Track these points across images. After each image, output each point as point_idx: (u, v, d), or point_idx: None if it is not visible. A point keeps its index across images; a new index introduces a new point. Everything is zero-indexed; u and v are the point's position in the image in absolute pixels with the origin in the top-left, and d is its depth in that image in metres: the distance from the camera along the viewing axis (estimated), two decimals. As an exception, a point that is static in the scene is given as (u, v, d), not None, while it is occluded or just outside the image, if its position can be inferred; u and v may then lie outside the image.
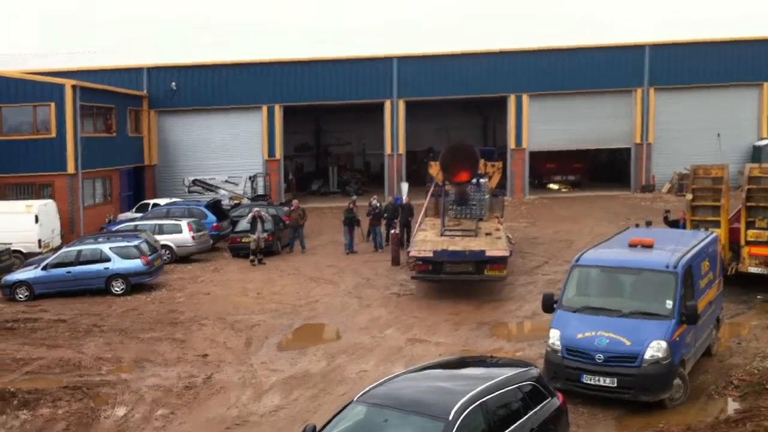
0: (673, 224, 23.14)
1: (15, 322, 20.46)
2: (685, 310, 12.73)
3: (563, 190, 47.56)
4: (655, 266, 13.41)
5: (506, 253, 20.37)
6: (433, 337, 17.38)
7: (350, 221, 28.89)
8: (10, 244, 27.44)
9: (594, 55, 45.08)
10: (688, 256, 13.81)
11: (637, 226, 20.03)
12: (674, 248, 14.08)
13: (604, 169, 51.21)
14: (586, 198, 42.36)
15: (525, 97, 45.04)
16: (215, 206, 32.83)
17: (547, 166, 48.62)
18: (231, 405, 13.74)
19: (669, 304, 12.81)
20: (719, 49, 44.68)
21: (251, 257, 27.32)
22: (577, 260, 14.30)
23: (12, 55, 54.79)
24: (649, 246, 14.30)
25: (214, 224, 30.81)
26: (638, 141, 44.89)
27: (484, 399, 9.20)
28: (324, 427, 9.28)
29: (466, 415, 8.81)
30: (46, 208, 29.58)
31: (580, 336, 12.81)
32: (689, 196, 20.90)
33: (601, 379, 12.41)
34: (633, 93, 44.83)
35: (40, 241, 28.48)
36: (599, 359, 12.43)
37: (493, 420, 9.18)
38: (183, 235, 28.34)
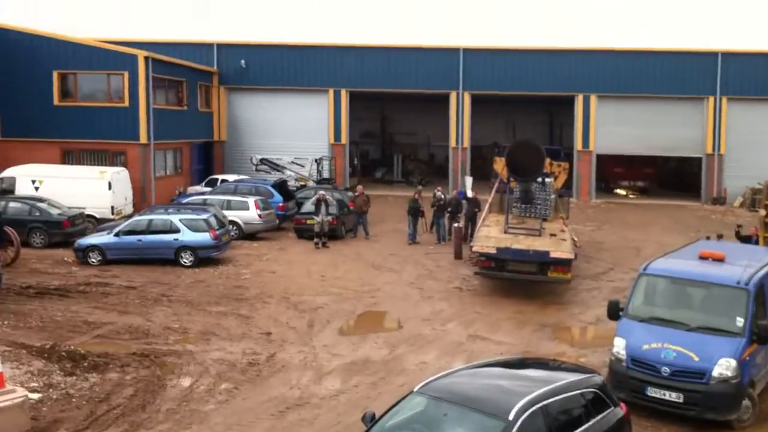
0: (745, 240, 22.66)
1: (87, 285, 21.13)
2: (756, 329, 12.47)
3: (631, 195, 46.83)
4: (726, 281, 13.14)
5: (571, 256, 20.19)
6: (495, 334, 17.40)
7: (415, 211, 29.01)
8: (84, 208, 28.34)
9: (666, 60, 44.24)
10: (761, 273, 13.46)
11: (707, 238, 19.70)
12: (746, 264, 13.76)
13: (674, 178, 50.26)
14: (655, 206, 41.65)
15: (593, 98, 44.48)
16: (282, 186, 33.27)
17: (615, 170, 47.95)
18: (292, 385, 13.97)
19: (740, 321, 12.58)
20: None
21: (315, 240, 27.67)
22: (645, 269, 14.09)
23: (85, 21, 55.98)
24: (720, 260, 14.00)
25: (280, 204, 31.24)
26: (710, 151, 43.97)
27: (545, 402, 9.08)
28: (383, 415, 9.30)
29: (526, 416, 8.72)
30: (119, 175, 30.37)
31: (646, 347, 12.69)
32: (762, 212, 20.51)
33: (667, 393, 12.27)
34: (705, 101, 43.92)
35: (113, 207, 29.30)
36: (665, 373, 12.30)
37: (554, 425, 9.03)
38: (250, 213, 28.85)
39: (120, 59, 35.50)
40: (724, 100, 43.64)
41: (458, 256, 25.67)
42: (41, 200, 27.58)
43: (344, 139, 45.50)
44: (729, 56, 43.65)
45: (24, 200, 27.47)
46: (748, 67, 43.56)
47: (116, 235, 24.20)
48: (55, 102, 35.40)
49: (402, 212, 30.54)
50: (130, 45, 38.45)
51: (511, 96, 47.28)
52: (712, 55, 43.74)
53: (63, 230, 26.65)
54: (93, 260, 23.84)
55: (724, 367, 12.04)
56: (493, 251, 20.42)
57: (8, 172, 29.80)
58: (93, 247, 24.07)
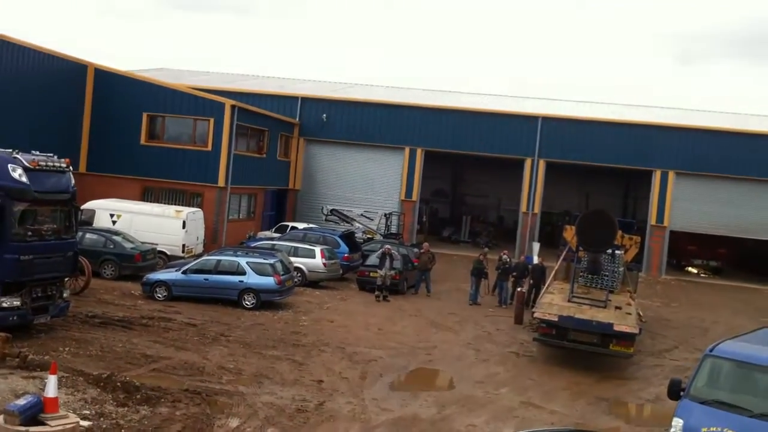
0: None
1: (150, 319, 21.55)
2: (823, 421, 11.95)
3: (702, 274, 45.63)
4: (796, 369, 12.68)
5: (635, 330, 19.72)
6: (549, 404, 17.01)
7: (479, 272, 28.88)
8: (157, 245, 29.17)
9: (747, 142, 43.47)
10: (833, 363, 12.97)
11: (779, 324, 18.99)
12: (819, 353, 13.28)
13: (749, 259, 48.75)
14: (727, 287, 40.42)
15: (671, 174, 43.83)
16: (349, 237, 33.63)
17: (688, 248, 46.92)
18: (338, 435, 13.93)
19: (805, 411, 12.08)
20: None
21: (377, 292, 27.77)
22: (712, 350, 13.68)
23: (179, 69, 58.65)
24: (791, 347, 13.54)
25: (346, 255, 31.54)
26: (788, 235, 42.57)
27: None
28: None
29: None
30: (194, 215, 31.24)
31: (704, 430, 12.24)
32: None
33: (722, 479, 11.81)
34: (788, 185, 42.69)
35: (184, 246, 30.11)
36: (722, 458, 11.85)
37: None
38: (316, 261, 29.19)
39: (208, 106, 36.95)
40: (811, 184, 42.40)
41: (519, 320, 25.36)
42: (116, 233, 28.50)
43: (415, 196, 45.84)
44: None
45: (100, 232, 28.42)
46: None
47: (184, 272, 24.76)
48: (142, 141, 36.88)
49: (466, 272, 30.39)
50: (220, 93, 39.93)
51: (587, 166, 46.97)
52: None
53: (134, 264, 27.44)
54: (159, 295, 24.40)
55: (785, 457, 11.52)
56: (555, 318, 20.13)
57: (89, 205, 30.93)
58: (160, 283, 24.65)
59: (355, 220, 41.96)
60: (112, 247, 27.66)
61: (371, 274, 28.82)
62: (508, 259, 29.80)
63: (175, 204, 34.49)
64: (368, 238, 39.21)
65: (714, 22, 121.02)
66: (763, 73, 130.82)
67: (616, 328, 19.58)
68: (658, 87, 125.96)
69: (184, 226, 30.16)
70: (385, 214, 42.35)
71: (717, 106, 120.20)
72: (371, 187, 46.04)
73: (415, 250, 33.19)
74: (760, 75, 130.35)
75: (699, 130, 44.35)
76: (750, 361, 13.26)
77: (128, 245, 27.99)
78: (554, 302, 21.70)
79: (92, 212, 30.68)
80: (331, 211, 42.68)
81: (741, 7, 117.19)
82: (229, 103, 36.90)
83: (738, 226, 43.56)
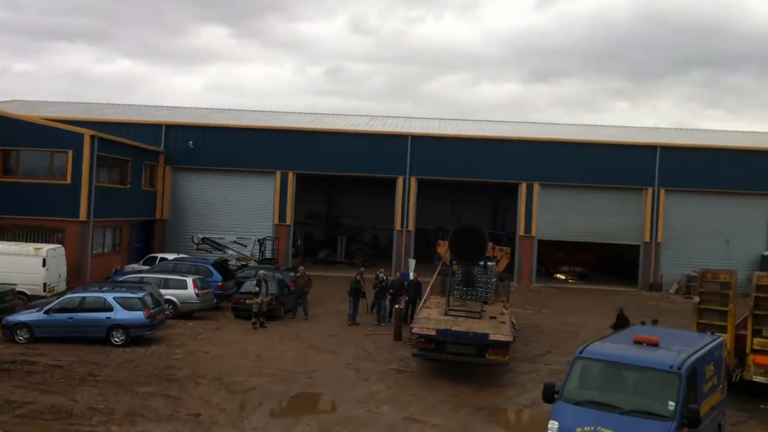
0: (623, 320, 23.35)
1: (12, 363, 20.29)
2: (687, 413, 12.53)
3: (570, 280, 47.58)
4: (660, 365, 13.29)
5: (509, 339, 20.22)
6: (431, 417, 17.11)
7: (356, 292, 28.87)
8: (15, 285, 27.45)
9: (607, 152, 45.80)
10: (693, 358, 13.69)
11: (642, 323, 19.94)
12: (680, 349, 14.00)
13: (612, 264, 51.25)
14: (593, 291, 42.26)
15: (536, 186, 45.44)
16: (222, 265, 32.90)
17: (556, 256, 48.81)
18: (219, 469, 13.50)
19: (671, 405, 12.65)
20: (731, 157, 45.57)
21: (253, 319, 27.22)
22: (581, 352, 14.19)
23: (32, 100, 56.03)
24: (654, 344, 14.19)
25: (219, 283, 30.81)
26: (647, 239, 45.04)
27: None
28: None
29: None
30: (54, 252, 29.69)
31: (579, 430, 12.62)
32: (696, 299, 20.88)
33: (599, 476, 12.17)
34: (644, 192, 45.23)
35: (45, 284, 28.55)
36: (598, 456, 12.22)
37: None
38: (187, 291, 28.32)
39: (66, 137, 35.39)
40: (662, 191, 45.03)
41: (398, 337, 25.47)
42: (-31, 276, 26.66)
43: (289, 220, 45.45)
44: (667, 150, 45.36)
45: (-48, 275, 26.53)
46: (684, 161, 45.26)
47: (46, 312, 23.45)
48: (-5, 178, 34.81)
49: (344, 293, 30.32)
50: (77, 124, 38.29)
51: (457, 182, 48.05)
52: (651, 149, 45.39)
53: (-9, 306, 25.69)
54: (20, 338, 22.99)
55: (655, 451, 12.00)
56: (433, 333, 20.36)
57: (-62, 247, 28.85)
58: (21, 324, 23.25)
59: (227, 247, 41.11)
60: (-35, 290, 25.84)
61: (247, 302, 28.25)
62: (384, 277, 29.98)
63: (34, 241, 32.62)
64: (242, 264, 38.50)
65: (560, 40, 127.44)
66: (610, 86, 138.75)
67: (492, 337, 20.01)
68: (515, 103, 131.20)
69: (44, 264, 28.61)
70: (259, 240, 41.74)
71: (570, 119, 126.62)
72: (243, 213, 45.29)
73: (291, 273, 32.83)
74: (608, 87, 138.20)
75: (559, 143, 46.34)
76: (618, 360, 13.84)
77: (-17, 287, 26.21)
78: (431, 316, 21.92)
79: (-58, 255, 28.64)
80: (202, 239, 41.61)
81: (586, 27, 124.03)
82: (88, 133, 35.45)
83: (598, 232, 45.63)
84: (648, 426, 12.38)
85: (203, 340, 24.80)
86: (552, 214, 45.32)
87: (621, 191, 45.42)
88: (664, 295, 42.57)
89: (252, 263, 38.70)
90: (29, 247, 29.73)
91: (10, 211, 34.28)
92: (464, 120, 59.11)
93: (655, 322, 22.05)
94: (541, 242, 45.83)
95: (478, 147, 46.23)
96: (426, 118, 58.84)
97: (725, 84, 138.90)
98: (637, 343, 14.34)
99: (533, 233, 45.37)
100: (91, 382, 18.78)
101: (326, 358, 22.89)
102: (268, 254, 41.64)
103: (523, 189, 45.55)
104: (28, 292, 27.97)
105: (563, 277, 48.24)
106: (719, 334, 18.45)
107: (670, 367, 13.09)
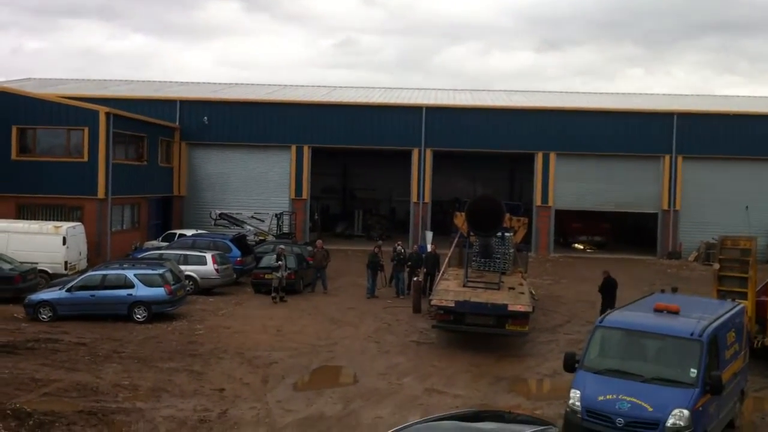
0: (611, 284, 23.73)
1: (36, 342, 20.55)
2: (709, 380, 12.55)
3: (588, 250, 47.43)
4: (681, 333, 13.30)
5: (529, 309, 20.25)
6: (452, 388, 17.23)
7: (374, 265, 28.95)
8: (37, 264, 27.79)
9: (623, 120, 45.37)
10: (715, 325, 13.67)
11: (662, 291, 19.86)
12: (700, 316, 13.98)
13: (630, 233, 51.01)
14: (611, 260, 41.99)
15: (552, 156, 45.18)
16: (240, 241, 33.02)
17: (573, 226, 48.58)
18: (244, 442, 13.66)
19: (693, 372, 12.67)
20: (748, 122, 45.03)
21: (273, 294, 27.40)
22: (601, 321, 14.23)
23: (47, 78, 56.16)
24: (674, 312, 14.18)
25: (238, 258, 30.98)
26: (665, 207, 44.76)
27: None
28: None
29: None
30: (74, 230, 29.91)
31: (601, 398, 12.67)
32: (716, 266, 20.78)
33: (621, 443, 12.22)
34: (661, 159, 44.86)
35: (66, 262, 28.79)
36: (619, 423, 12.26)
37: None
38: (207, 267, 28.51)
39: (81, 115, 35.41)
40: (680, 158, 44.64)
41: (417, 309, 25.57)
42: (-8, 255, 26.96)
43: (305, 194, 45.50)
44: (684, 116, 44.89)
45: (-26, 255, 26.84)
46: (701, 127, 44.77)
47: (68, 290, 23.70)
48: (13, 156, 35.00)
49: (362, 267, 30.43)
50: (93, 101, 38.35)
51: (473, 153, 47.86)
52: (667, 116, 44.93)
53: (14, 286, 26.01)
54: (43, 316, 23.28)
55: (678, 417, 12.05)
56: (452, 304, 20.41)
57: (-41, 228, 29.14)
58: (44, 303, 23.52)
59: (245, 222, 41.34)
60: (-12, 269, 26.16)
61: (266, 276, 28.41)
62: (402, 250, 30.02)
63: (53, 220, 32.90)
64: (260, 239, 38.67)
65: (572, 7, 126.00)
66: (623, 53, 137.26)
67: (510, 308, 20.05)
68: (529, 72, 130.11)
69: (64, 242, 28.84)
70: (276, 215, 41.87)
71: (583, 87, 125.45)
72: (260, 187, 45.36)
73: (309, 248, 32.95)
74: (621, 55, 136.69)
75: (576, 111, 45.96)
76: (639, 328, 13.86)
77: (6, 266, 26.51)
78: (450, 288, 21.99)
79: (-36, 235, 28.94)
80: (220, 215, 41.87)
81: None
82: (103, 110, 35.49)
83: (616, 201, 45.39)
84: (670, 393, 12.41)
85: (224, 315, 25.02)
86: (569, 184, 45.09)
87: (638, 159, 45.06)
88: (683, 262, 42.41)
89: (270, 238, 38.88)
90: (49, 226, 29.96)
91: (28, 189, 34.54)
92: (478, 90, 58.70)
93: (674, 289, 21.91)
94: (558, 212, 45.68)
95: (493, 117, 45.94)
96: (440, 89, 58.48)
97: (739, 49, 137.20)
98: (658, 311, 14.33)
99: (550, 203, 45.20)
100: (115, 359, 19.02)
101: (346, 331, 23.04)
102: (285, 229, 41.80)
103: (539, 159, 45.31)
104: (50, 271, 28.26)
105: (581, 247, 48.10)
106: (740, 300, 18.39)
107: (692, 334, 13.10)
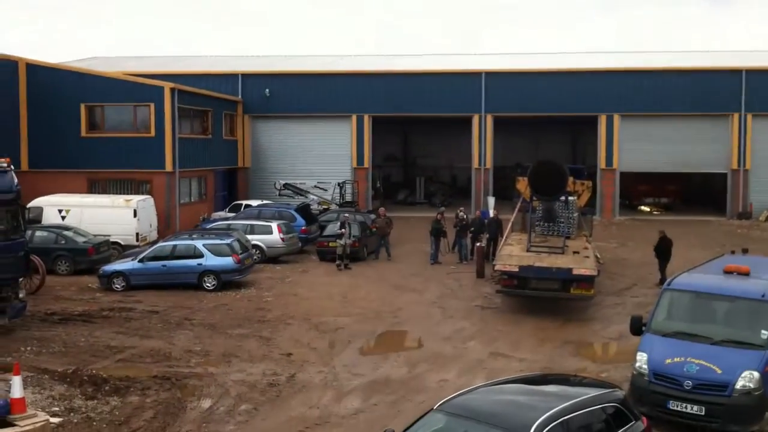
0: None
1: (111, 311, 21.32)
2: (781, 342, 12.32)
3: (655, 212, 46.57)
4: (751, 294, 13.04)
5: (594, 273, 20.05)
6: (516, 352, 17.28)
7: (437, 232, 29.02)
8: (110, 236, 28.71)
9: (689, 78, 44.10)
10: (786, 286, 13.35)
11: (732, 252, 19.44)
12: (771, 278, 13.67)
13: (698, 194, 49.83)
14: (679, 222, 41.18)
15: (616, 117, 44.30)
16: (304, 210, 33.49)
17: (639, 188, 47.73)
18: (312, 405, 13.93)
19: (764, 334, 12.42)
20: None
21: (338, 262, 27.76)
22: (669, 284, 14.05)
23: (111, 57, 57.34)
24: (745, 273, 13.87)
25: (303, 227, 31.43)
26: (735, 167, 43.55)
27: (566, 417, 8.96)
28: (403, 432, 9.20)
29: (546, 431, 8.68)
30: (144, 203, 30.77)
31: (668, 361, 12.55)
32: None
33: (689, 406, 12.10)
34: (729, 118, 43.57)
35: (137, 234, 29.69)
36: (687, 386, 12.13)
37: (574, 439, 8.91)
38: (273, 236, 29.04)
39: (147, 91, 36.18)
40: (749, 116, 43.26)
41: (480, 275, 25.59)
42: (67, 228, 27.95)
43: (367, 162, 45.72)
44: (753, 73, 43.39)
45: (50, 229, 27.85)
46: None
47: (140, 261, 24.45)
48: (83, 134, 36.04)
49: (424, 233, 30.53)
50: (156, 77, 39.12)
51: (534, 117, 47.24)
52: (736, 73, 43.52)
53: (88, 257, 26.98)
54: (117, 286, 24.08)
55: (747, 379, 11.88)
56: (516, 269, 20.36)
57: (35, 203, 30.22)
58: (117, 273, 24.33)
59: (309, 192, 41.82)
60: (63, 242, 27.14)
61: (330, 244, 28.77)
62: (464, 216, 30.01)
63: (124, 193, 33.88)
64: (324, 209, 39.11)
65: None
66: (684, 11, 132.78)
67: (575, 272, 19.89)
68: (586, 34, 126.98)
69: (135, 215, 29.72)
70: (339, 184, 42.23)
71: (646, 47, 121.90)
72: (322, 157, 45.73)
73: (372, 216, 33.19)
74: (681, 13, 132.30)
75: (638, 72, 44.89)
76: (708, 291, 13.62)
77: (80, 239, 27.49)
78: (513, 253, 21.90)
79: (40, 209, 30.01)
80: (284, 185, 42.44)
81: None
82: (168, 86, 36.15)
83: (683, 162, 44.31)
84: (741, 355, 12.21)
85: (291, 283, 25.49)
86: (634, 146, 44.17)
87: (705, 118, 43.84)
88: (753, 223, 41.29)
89: (333, 207, 39.29)
90: (120, 199, 30.90)
91: (98, 165, 35.54)
92: (536, 53, 57.67)
93: (745, 251, 21.43)
94: (623, 175, 44.86)
95: (554, 80, 45.18)
96: (498, 54, 57.71)
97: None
98: (728, 272, 14.04)
99: (615, 166, 44.43)
100: (186, 326, 19.61)
101: (411, 297, 23.23)
102: (348, 197, 42.14)
103: (602, 121, 44.48)
104: (122, 242, 29.19)
105: (647, 210, 47.23)
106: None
107: (763, 295, 12.86)
